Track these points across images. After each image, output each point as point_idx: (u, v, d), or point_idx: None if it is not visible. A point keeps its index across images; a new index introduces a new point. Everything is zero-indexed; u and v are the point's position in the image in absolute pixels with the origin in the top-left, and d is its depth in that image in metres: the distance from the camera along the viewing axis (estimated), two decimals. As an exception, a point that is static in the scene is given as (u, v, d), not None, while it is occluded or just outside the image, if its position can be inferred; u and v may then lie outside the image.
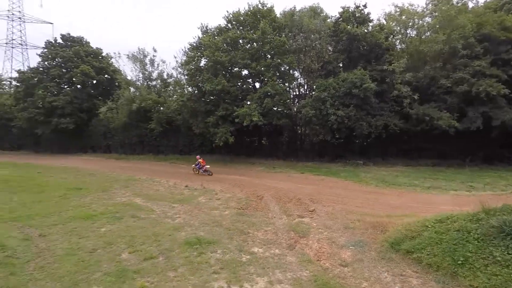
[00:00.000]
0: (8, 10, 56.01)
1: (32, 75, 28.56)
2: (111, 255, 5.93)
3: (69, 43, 29.52)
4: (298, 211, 9.31)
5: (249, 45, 20.62)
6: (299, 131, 23.79)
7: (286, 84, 21.54)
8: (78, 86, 29.01)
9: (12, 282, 4.78)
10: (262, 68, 19.60)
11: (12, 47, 56.78)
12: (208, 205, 10.12)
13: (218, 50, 19.66)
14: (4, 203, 10.28)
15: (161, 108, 24.96)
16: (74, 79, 27.86)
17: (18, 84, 29.46)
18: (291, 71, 21.56)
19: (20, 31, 57.33)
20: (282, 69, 20.65)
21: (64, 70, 28.44)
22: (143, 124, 25.47)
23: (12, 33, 56.63)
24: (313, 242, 6.81)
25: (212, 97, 20.75)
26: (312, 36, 20.62)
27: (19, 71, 30.68)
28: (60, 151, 28.97)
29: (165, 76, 27.41)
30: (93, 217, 8.47)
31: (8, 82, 34.86)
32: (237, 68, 21.32)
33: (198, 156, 17.64)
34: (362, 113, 17.90)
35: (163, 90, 26.67)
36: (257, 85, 22.32)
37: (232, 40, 20.26)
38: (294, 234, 7.24)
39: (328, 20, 22.27)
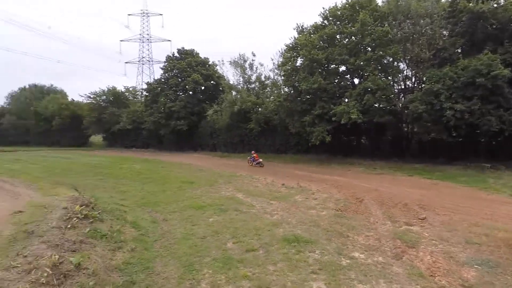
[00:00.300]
0: (140, 34, 68.50)
1: (156, 85, 34.26)
2: (218, 243, 6.56)
3: (183, 56, 34.14)
4: (405, 217, 8.37)
5: (346, 40, 19.69)
6: (406, 129, 21.36)
7: (390, 78, 19.68)
8: (190, 92, 33.25)
9: (145, 255, 5.82)
10: (362, 63, 18.42)
11: (143, 64, 69.04)
12: (305, 204, 10.12)
13: (314, 48, 19.43)
14: (138, 191, 12.60)
15: (259, 109, 26.33)
16: (187, 86, 32.12)
17: (146, 93, 35.77)
18: (395, 63, 19.61)
19: (148, 50, 69.29)
20: (385, 61, 18.98)
21: (179, 80, 33.07)
22: (243, 125, 27.39)
23: (142, 52, 68.97)
24: (425, 254, 6.01)
25: (308, 96, 20.65)
26: (422, 21, 18.18)
27: (147, 83, 37.25)
28: (177, 149, 33.72)
29: (262, 79, 28.87)
30: (203, 208, 9.54)
31: (140, 93, 42.65)
32: (334, 65, 20.64)
33: (253, 152, 21.81)
34: (490, 106, 14.83)
35: (261, 92, 28.12)
36: (356, 81, 21.11)
37: (328, 36, 19.72)
38: (401, 243, 6.54)
39: (443, 1, 19.29)
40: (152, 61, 68.82)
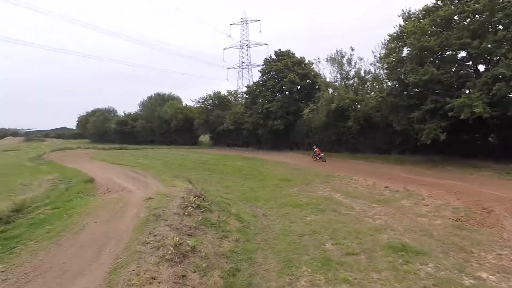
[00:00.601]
0: (240, 41, 73.67)
1: (255, 88, 36.20)
2: (316, 243, 6.51)
3: (279, 57, 35.05)
4: (558, 237, 6.56)
5: (468, 20, 16.62)
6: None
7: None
8: (287, 92, 33.87)
9: (248, 246, 6.25)
10: (489, 45, 15.25)
11: (242, 69, 74.14)
12: (413, 210, 9.05)
13: (425, 35, 17.10)
14: (239, 186, 13.60)
15: (358, 106, 24.80)
16: (283, 87, 32.84)
17: (246, 96, 38.19)
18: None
19: (247, 55, 73.97)
20: (523, 41, 15.19)
21: (276, 81, 34.10)
22: (340, 123, 26.30)
23: (242, 58, 73.99)
24: None
25: (416, 90, 18.31)
26: None
27: (247, 86, 39.78)
28: (274, 148, 34.88)
29: (362, 74, 27.09)
30: (300, 206, 9.61)
31: (241, 95, 45.89)
32: (450, 52, 17.72)
33: (314, 146, 24.60)
34: None
35: (360, 88, 26.44)
36: (481, 68, 17.61)
37: (443, 19, 17.04)
38: (551, 269, 5.16)
39: None
40: (250, 65, 73.24)
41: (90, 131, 69.98)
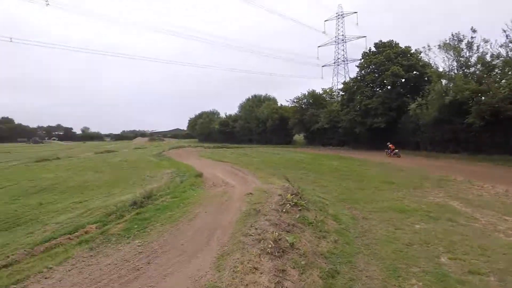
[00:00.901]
0: (335, 37, 71.03)
1: (352, 84, 34.40)
2: (428, 254, 5.76)
3: (380, 49, 32.31)
4: None
5: None
6: None
7: None
8: (389, 87, 31.01)
9: (347, 249, 6.01)
10: None
11: (338, 65, 71.32)
12: None
13: None
14: (336, 186, 13.16)
15: (483, 98, 20.72)
16: (385, 81, 30.19)
17: (342, 93, 36.66)
18: None
19: (343, 50, 70.75)
20: None
21: (376, 75, 31.59)
22: (457, 119, 22.49)
23: (337, 53, 71.17)
24: None
25: None
26: None
27: (343, 83, 38.15)
28: (372, 147, 32.46)
29: (488, 59, 22.47)
30: (406, 212, 8.67)
31: (336, 93, 44.32)
32: None
33: (388, 143, 25.40)
34: None
35: (485, 76, 22.00)
36: None
37: None
38: None
39: None
40: (347, 60, 69.80)
41: (198, 132, 79.21)
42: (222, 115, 74.54)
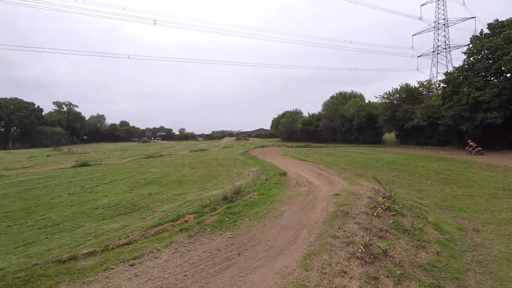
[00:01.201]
0: (434, 22, 62.49)
1: (457, 74, 29.66)
2: None
3: (496, 30, 27.01)
4: None
5: None
6: None
7: None
8: (508, 75, 25.70)
9: (453, 264, 5.23)
10: None
11: (437, 54, 62.65)
12: None
13: None
14: (436, 191, 11.62)
15: None
16: (503, 68, 25.09)
17: (444, 85, 31.93)
18: None
19: (444, 36, 61.76)
20: None
21: (490, 62, 26.54)
22: None
23: (437, 41, 62.48)
24: None
25: None
26: None
27: (445, 73, 33.22)
28: (484, 147, 27.45)
29: None
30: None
31: (436, 85, 38.94)
32: None
33: (469, 141, 24.69)
34: None
35: None
36: None
37: None
38: None
39: None
40: (449, 47, 60.78)
41: (281, 131, 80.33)
42: (305, 114, 73.95)
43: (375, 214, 6.63)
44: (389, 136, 48.68)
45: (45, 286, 4.77)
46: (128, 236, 6.62)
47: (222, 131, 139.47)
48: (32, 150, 53.09)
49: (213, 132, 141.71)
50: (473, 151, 23.47)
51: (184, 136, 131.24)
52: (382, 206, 7.07)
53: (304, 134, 64.40)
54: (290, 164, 22.00)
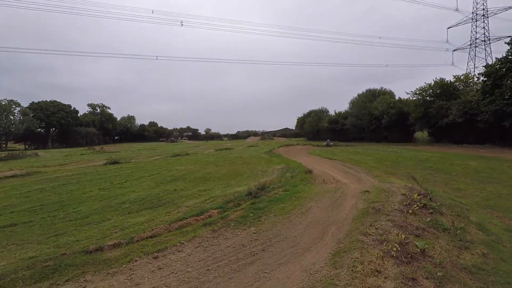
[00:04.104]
0: (472, 13, 58.67)
1: (499, 66, 27.50)
2: None
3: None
4: None
5: None
6: None
7: None
8: (557, 65, 23.44)
9: (503, 267, 4.66)
10: None
11: (475, 47, 58.79)
12: None
13: None
14: (477, 190, 10.76)
15: None
16: (551, 58, 22.93)
17: (484, 78, 29.75)
18: None
19: (483, 28, 57.83)
20: None
21: (537, 51, 24.36)
22: None
23: (475, 33, 58.62)
24: None
25: None
26: None
27: (486, 66, 30.94)
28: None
29: None
30: None
31: (476, 79, 36.39)
32: None
33: None
34: None
35: None
36: None
37: None
38: None
39: None
40: (489, 39, 56.81)
41: (306, 130, 79.18)
42: (332, 113, 72.34)
43: (410, 211, 6.12)
44: (421, 134, 46.35)
45: (72, 275, 4.81)
46: (153, 230, 6.61)
47: (247, 131, 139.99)
48: (68, 150, 56.20)
49: (238, 132, 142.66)
50: None
51: (210, 136, 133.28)
52: (418, 203, 6.53)
53: (330, 133, 62.94)
54: (316, 162, 21.45)
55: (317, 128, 70.76)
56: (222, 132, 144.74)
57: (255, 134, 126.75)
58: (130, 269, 4.98)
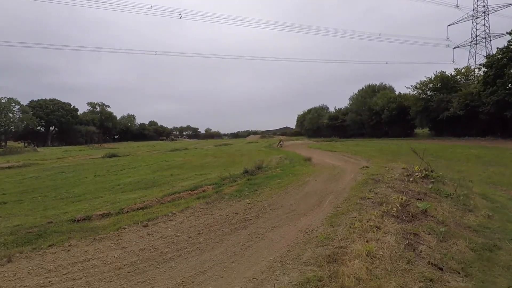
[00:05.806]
0: (472, 10, 58.22)
1: (500, 56, 27.14)
2: None
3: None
4: None
5: None
6: None
7: None
8: (560, 54, 23.14)
9: (509, 227, 4.42)
10: None
11: (476, 44, 58.28)
12: None
13: None
14: (480, 171, 10.55)
15: None
16: (553, 47, 22.62)
17: (486, 69, 29.34)
18: None
19: (484, 25, 57.36)
20: None
21: (539, 41, 24.06)
22: None
23: (476, 30, 58.14)
24: None
25: None
26: None
27: (487, 56, 30.57)
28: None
29: None
30: None
31: (476, 70, 36.01)
32: None
33: None
34: None
35: None
36: None
37: None
38: None
39: None
40: (489, 37, 56.35)
41: (306, 128, 78.77)
42: (332, 110, 71.96)
43: (411, 179, 5.90)
44: (422, 131, 46.08)
45: (56, 240, 4.59)
46: (144, 202, 6.39)
47: (247, 131, 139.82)
48: (67, 147, 56.04)
49: (238, 131, 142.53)
50: None
51: (210, 135, 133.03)
52: (419, 173, 6.30)
53: (330, 130, 62.56)
54: (316, 153, 21.20)
55: (317, 125, 70.36)
56: (222, 132, 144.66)
57: (255, 133, 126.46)
58: (118, 235, 4.76)
